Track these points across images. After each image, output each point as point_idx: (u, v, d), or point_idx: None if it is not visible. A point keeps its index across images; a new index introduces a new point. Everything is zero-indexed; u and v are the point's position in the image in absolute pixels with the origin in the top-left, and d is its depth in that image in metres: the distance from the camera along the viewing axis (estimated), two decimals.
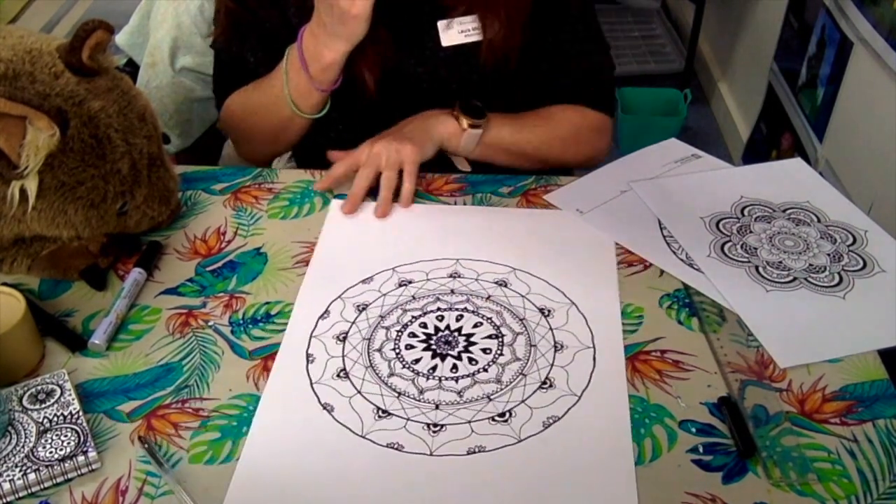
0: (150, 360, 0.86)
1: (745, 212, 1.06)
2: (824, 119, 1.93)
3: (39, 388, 0.80)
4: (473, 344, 0.88)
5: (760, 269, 0.97)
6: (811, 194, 1.09)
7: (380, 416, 0.80)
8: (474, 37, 1.11)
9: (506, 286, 0.95)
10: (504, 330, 0.89)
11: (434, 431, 0.79)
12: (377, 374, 0.84)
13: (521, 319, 0.91)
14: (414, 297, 0.93)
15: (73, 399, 0.79)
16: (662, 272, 0.98)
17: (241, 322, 0.91)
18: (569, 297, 0.93)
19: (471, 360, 0.86)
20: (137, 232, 0.98)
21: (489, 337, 0.88)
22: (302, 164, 1.28)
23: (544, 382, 0.84)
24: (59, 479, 0.74)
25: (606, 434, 0.79)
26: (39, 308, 0.90)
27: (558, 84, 1.17)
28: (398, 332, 0.89)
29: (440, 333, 0.89)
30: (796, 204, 1.08)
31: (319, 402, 0.81)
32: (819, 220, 1.05)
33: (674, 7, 3.39)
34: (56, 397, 0.79)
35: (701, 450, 0.77)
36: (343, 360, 0.85)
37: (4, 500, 0.72)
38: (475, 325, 0.90)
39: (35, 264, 0.94)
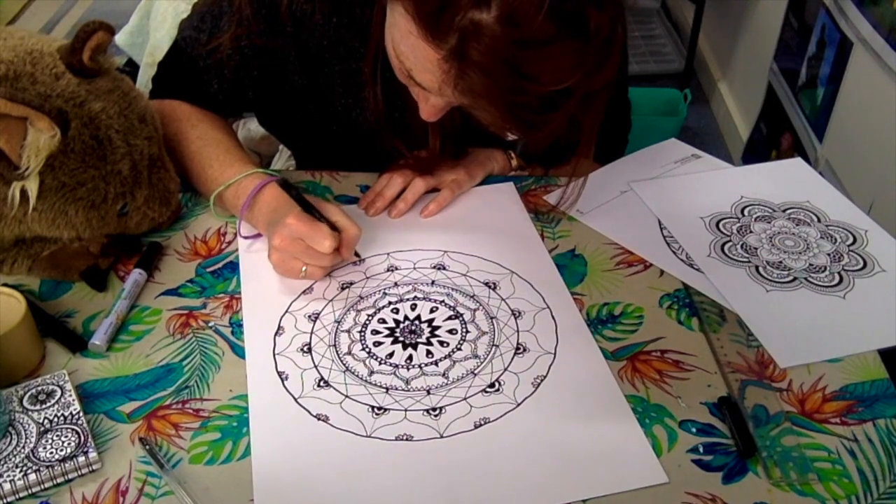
0: (150, 361, 0.86)
1: (746, 212, 1.06)
2: (824, 119, 1.93)
3: (40, 388, 0.80)
4: (438, 328, 0.90)
5: (760, 269, 0.97)
6: (811, 194, 1.10)
7: (377, 414, 0.80)
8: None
9: (444, 269, 0.97)
10: (461, 309, 0.92)
11: (435, 415, 0.80)
12: (357, 376, 0.84)
13: (472, 296, 0.93)
14: (361, 297, 0.94)
15: (73, 400, 0.79)
16: (662, 272, 0.98)
17: (242, 323, 0.90)
18: (507, 268, 0.97)
19: (441, 342, 0.88)
20: (138, 233, 0.98)
21: (450, 318, 0.91)
22: (302, 165, 1.28)
23: (518, 348, 0.87)
24: (60, 480, 0.74)
25: (592, 379, 0.84)
26: (40, 309, 0.90)
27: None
28: (360, 332, 0.89)
29: (402, 325, 0.90)
30: (796, 204, 1.08)
31: (311, 414, 0.81)
32: (819, 220, 1.05)
33: (674, 7, 3.39)
34: (56, 398, 0.79)
35: (701, 450, 0.78)
36: (317, 370, 0.85)
37: (5, 501, 0.72)
38: (432, 311, 0.92)
39: (36, 265, 0.94)
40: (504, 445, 0.77)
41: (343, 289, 0.95)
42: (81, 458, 0.74)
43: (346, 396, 0.82)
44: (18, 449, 0.74)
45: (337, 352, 0.87)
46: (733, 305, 0.92)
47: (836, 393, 0.83)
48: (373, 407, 0.81)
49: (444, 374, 0.84)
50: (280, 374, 0.85)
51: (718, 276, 0.96)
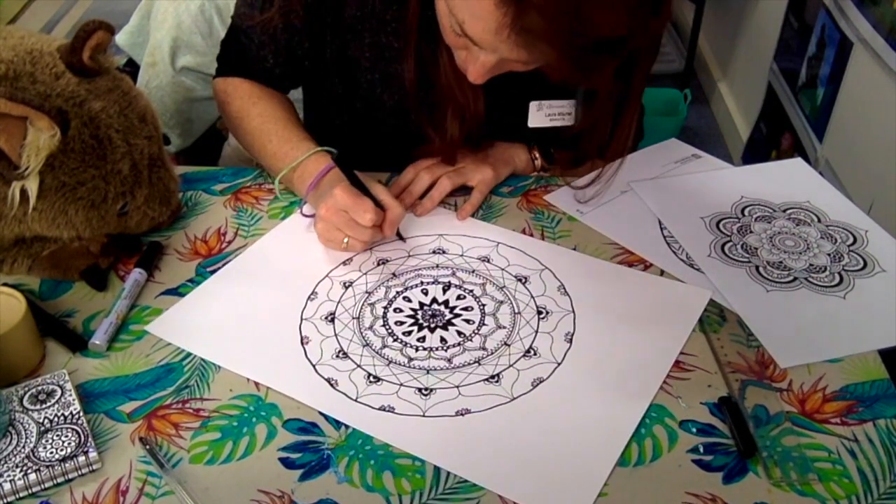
0: (150, 361, 0.86)
1: (746, 212, 1.06)
2: (824, 119, 1.94)
3: (40, 388, 0.80)
4: (458, 315, 0.91)
5: (761, 269, 0.97)
6: (811, 194, 1.10)
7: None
8: (560, 122, 1.10)
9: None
10: (485, 300, 0.93)
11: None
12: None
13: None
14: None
15: (73, 399, 0.79)
16: (662, 272, 0.98)
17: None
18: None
19: (458, 332, 0.89)
20: (138, 232, 0.98)
21: (469, 308, 0.92)
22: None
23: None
24: (60, 480, 0.74)
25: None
26: (40, 308, 0.90)
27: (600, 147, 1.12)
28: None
29: (425, 307, 0.92)
30: (796, 204, 1.08)
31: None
32: (819, 220, 1.05)
33: (674, 7, 3.39)
34: (57, 398, 0.79)
35: (701, 450, 0.78)
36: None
37: (5, 501, 0.72)
38: (459, 297, 0.93)
39: (36, 265, 0.94)
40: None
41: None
42: (81, 458, 0.74)
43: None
44: (18, 449, 0.74)
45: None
46: (733, 305, 0.92)
47: (837, 393, 0.83)
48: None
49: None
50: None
51: (719, 276, 0.96)
